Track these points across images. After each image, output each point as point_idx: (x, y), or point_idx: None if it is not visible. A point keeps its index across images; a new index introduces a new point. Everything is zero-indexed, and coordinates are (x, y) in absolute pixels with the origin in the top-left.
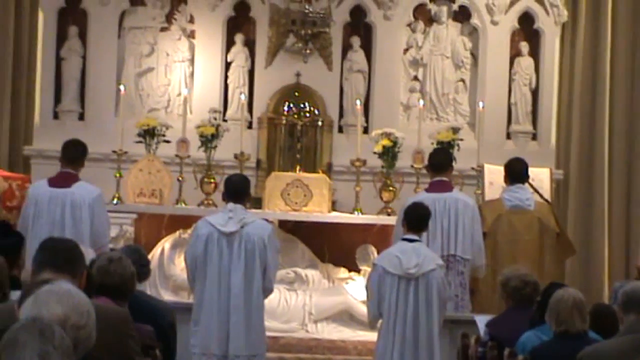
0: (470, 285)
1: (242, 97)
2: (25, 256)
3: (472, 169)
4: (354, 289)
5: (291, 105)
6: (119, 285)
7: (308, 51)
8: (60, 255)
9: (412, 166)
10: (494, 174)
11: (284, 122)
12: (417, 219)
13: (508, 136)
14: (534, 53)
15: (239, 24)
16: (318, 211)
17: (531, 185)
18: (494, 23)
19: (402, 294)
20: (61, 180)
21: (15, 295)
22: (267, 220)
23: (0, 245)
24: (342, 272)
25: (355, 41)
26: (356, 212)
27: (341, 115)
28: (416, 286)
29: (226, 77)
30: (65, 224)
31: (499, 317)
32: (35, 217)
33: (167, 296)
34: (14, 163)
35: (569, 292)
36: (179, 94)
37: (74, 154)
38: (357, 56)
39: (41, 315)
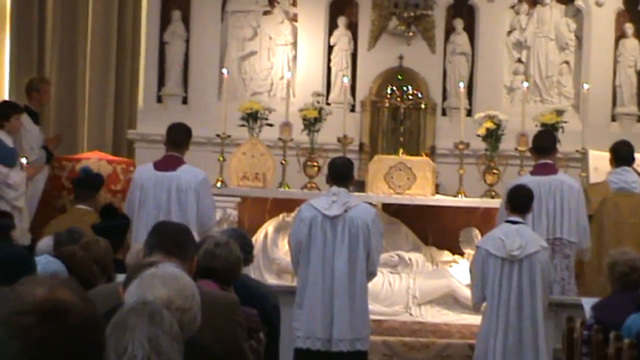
0: (575, 268)
1: (345, 80)
2: (130, 239)
3: (577, 151)
4: (457, 272)
5: (394, 88)
6: (223, 269)
7: (411, 34)
8: (171, 239)
9: (515, 149)
10: (599, 159)
11: (387, 105)
12: (520, 201)
13: (613, 118)
14: (639, 34)
15: (341, 7)
16: (421, 194)
17: (634, 169)
18: (599, 4)
19: (505, 277)
20: (166, 164)
21: (120, 278)
22: (370, 203)
23: (106, 228)
24: (446, 255)
25: (459, 23)
26: (460, 195)
27: (444, 98)
28: (520, 268)
29: (329, 60)
30: (171, 208)
31: (605, 300)
32: (141, 201)
33: (271, 279)
34: (118, 147)
35: None
36: (282, 78)
37: (179, 138)
38: (460, 38)
39: (146, 298)
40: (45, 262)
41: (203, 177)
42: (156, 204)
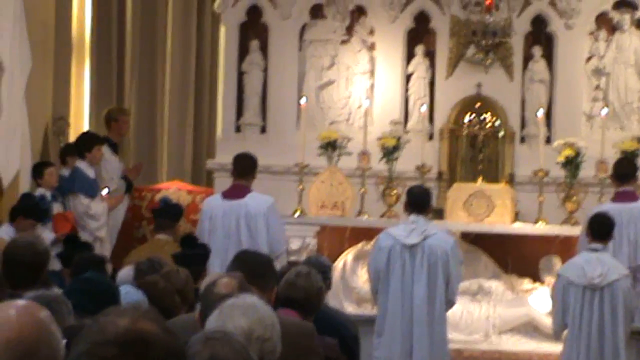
0: None
1: (423, 108)
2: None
3: None
4: (538, 300)
5: (472, 116)
6: (303, 299)
7: (489, 61)
8: (251, 268)
9: (595, 176)
10: None
11: (465, 133)
12: (601, 229)
13: None
14: None
15: (419, 35)
16: (501, 222)
17: None
18: None
19: (587, 305)
20: (234, 193)
21: None
22: (449, 231)
23: (186, 257)
24: (526, 283)
25: (537, 51)
26: (539, 223)
27: (523, 126)
28: (601, 296)
29: (407, 88)
30: (240, 235)
31: None
32: (211, 231)
33: (350, 308)
34: (197, 177)
35: None
36: (360, 106)
37: (245, 167)
38: (539, 66)
39: (227, 328)
40: (126, 293)
41: (271, 203)
42: (225, 232)
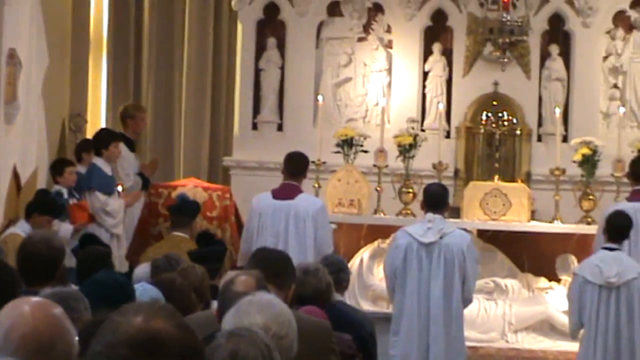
0: None
1: (440, 106)
2: (227, 266)
3: None
4: (554, 298)
5: (489, 114)
6: (312, 297)
7: (506, 60)
8: (269, 266)
9: (612, 175)
10: None
11: (482, 131)
12: (618, 228)
13: None
14: None
15: (436, 34)
16: (517, 220)
17: None
18: None
19: (603, 304)
20: (285, 192)
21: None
22: (465, 230)
23: (203, 254)
24: (542, 282)
25: (554, 49)
26: (556, 222)
27: (540, 124)
28: (617, 295)
29: (424, 86)
30: (288, 236)
31: None
32: (260, 229)
33: (366, 306)
34: (214, 174)
35: None
36: (377, 104)
37: (298, 167)
38: (556, 64)
39: (237, 332)
40: (143, 290)
41: (321, 205)
42: (274, 231)
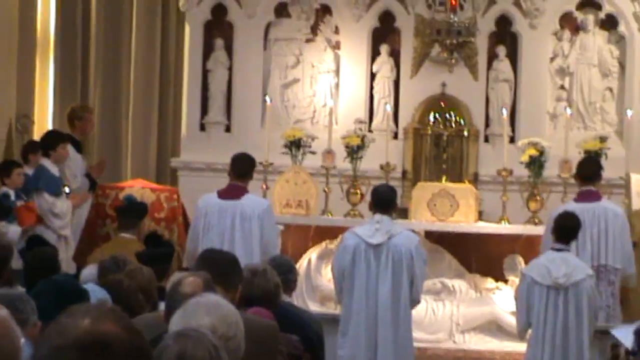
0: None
1: (388, 107)
2: (175, 267)
3: (620, 178)
4: (501, 299)
5: (437, 115)
6: (261, 298)
7: (453, 61)
8: (216, 268)
9: (559, 175)
10: None
11: (429, 132)
12: (567, 229)
13: None
14: None
15: (383, 35)
16: (464, 221)
17: None
18: None
19: (551, 304)
20: (231, 193)
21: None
22: (413, 231)
23: (150, 255)
24: (489, 282)
25: (501, 50)
26: (503, 222)
27: (487, 125)
28: (565, 296)
29: (371, 87)
30: (234, 236)
31: None
32: (205, 229)
33: (314, 307)
34: (162, 175)
35: None
36: (324, 105)
37: (244, 168)
38: (503, 65)
39: (185, 332)
40: (90, 291)
41: (267, 206)
42: (220, 231)
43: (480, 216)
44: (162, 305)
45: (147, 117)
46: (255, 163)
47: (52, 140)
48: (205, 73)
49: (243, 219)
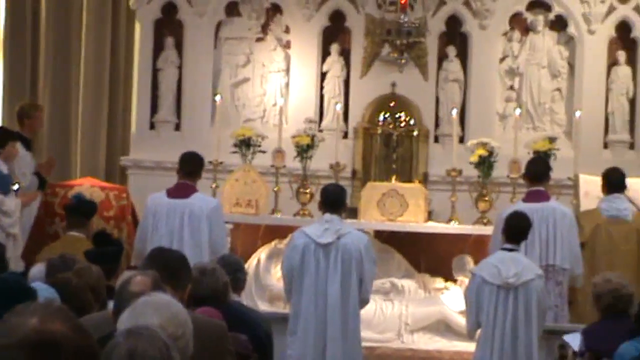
0: (567, 295)
1: (338, 107)
2: (124, 266)
3: (569, 178)
4: (450, 299)
5: (387, 115)
6: (210, 296)
7: (403, 61)
8: (165, 267)
9: (508, 176)
10: (590, 184)
11: (379, 132)
12: (517, 229)
13: (605, 145)
14: (632, 62)
15: (334, 34)
16: (414, 221)
17: (626, 196)
18: (591, 32)
19: (501, 304)
20: (179, 192)
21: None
22: (362, 230)
23: (99, 254)
24: (438, 282)
25: (451, 51)
26: (452, 222)
27: (437, 125)
28: (515, 296)
29: (322, 87)
30: (183, 235)
31: (594, 326)
32: (154, 228)
33: (263, 306)
34: (111, 173)
35: None
36: (275, 104)
37: (192, 167)
38: (453, 66)
39: (137, 330)
40: (38, 290)
41: (216, 204)
42: (169, 230)
43: (430, 216)
44: (110, 304)
45: (97, 116)
46: (204, 162)
47: (1, 138)
48: (155, 72)
49: (192, 218)
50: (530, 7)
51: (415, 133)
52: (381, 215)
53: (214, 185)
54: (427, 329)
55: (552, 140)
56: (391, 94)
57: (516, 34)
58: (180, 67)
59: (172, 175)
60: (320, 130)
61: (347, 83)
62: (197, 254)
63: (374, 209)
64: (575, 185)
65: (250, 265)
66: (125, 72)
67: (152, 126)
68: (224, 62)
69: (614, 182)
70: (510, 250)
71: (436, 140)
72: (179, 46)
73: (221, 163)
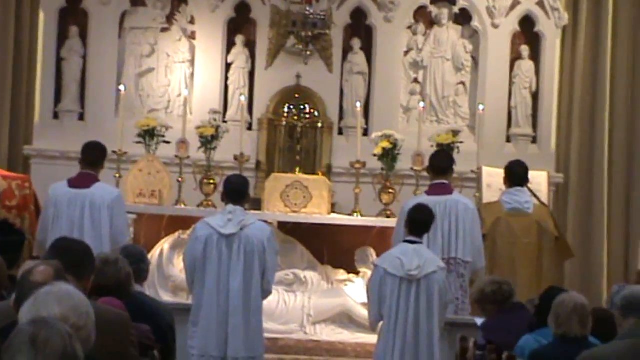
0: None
1: (242, 98)
2: (26, 256)
3: (472, 171)
4: (353, 291)
5: (291, 106)
6: (113, 287)
7: (308, 53)
8: (68, 257)
9: (411, 168)
10: (492, 176)
11: (284, 123)
12: (420, 222)
13: (508, 139)
14: (535, 56)
15: (239, 25)
16: (317, 213)
17: (529, 189)
18: (495, 26)
19: (403, 296)
20: (81, 181)
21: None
22: (266, 222)
23: (1, 243)
24: (341, 274)
25: (356, 43)
26: (355, 214)
27: (341, 117)
28: (417, 288)
29: (226, 78)
30: (84, 225)
31: (492, 321)
32: (55, 218)
33: (166, 297)
34: (14, 163)
35: (572, 296)
36: (179, 95)
37: (94, 156)
38: (358, 58)
39: (41, 319)
40: None
41: (117, 195)
42: (70, 220)
43: (333, 208)
44: (14, 295)
45: (0, 104)
46: (106, 151)
47: None
48: (59, 61)
49: (93, 208)
50: (435, 1)
51: (319, 125)
52: (285, 206)
53: (117, 176)
54: (330, 321)
55: (455, 133)
56: (296, 86)
57: (421, 27)
58: (84, 57)
59: (75, 165)
60: (225, 122)
61: (252, 74)
62: (98, 245)
63: (277, 201)
64: (478, 179)
65: (154, 255)
66: (28, 61)
67: (55, 115)
68: (128, 52)
69: (516, 175)
70: (413, 242)
71: (340, 132)
72: (83, 35)
73: (125, 153)
